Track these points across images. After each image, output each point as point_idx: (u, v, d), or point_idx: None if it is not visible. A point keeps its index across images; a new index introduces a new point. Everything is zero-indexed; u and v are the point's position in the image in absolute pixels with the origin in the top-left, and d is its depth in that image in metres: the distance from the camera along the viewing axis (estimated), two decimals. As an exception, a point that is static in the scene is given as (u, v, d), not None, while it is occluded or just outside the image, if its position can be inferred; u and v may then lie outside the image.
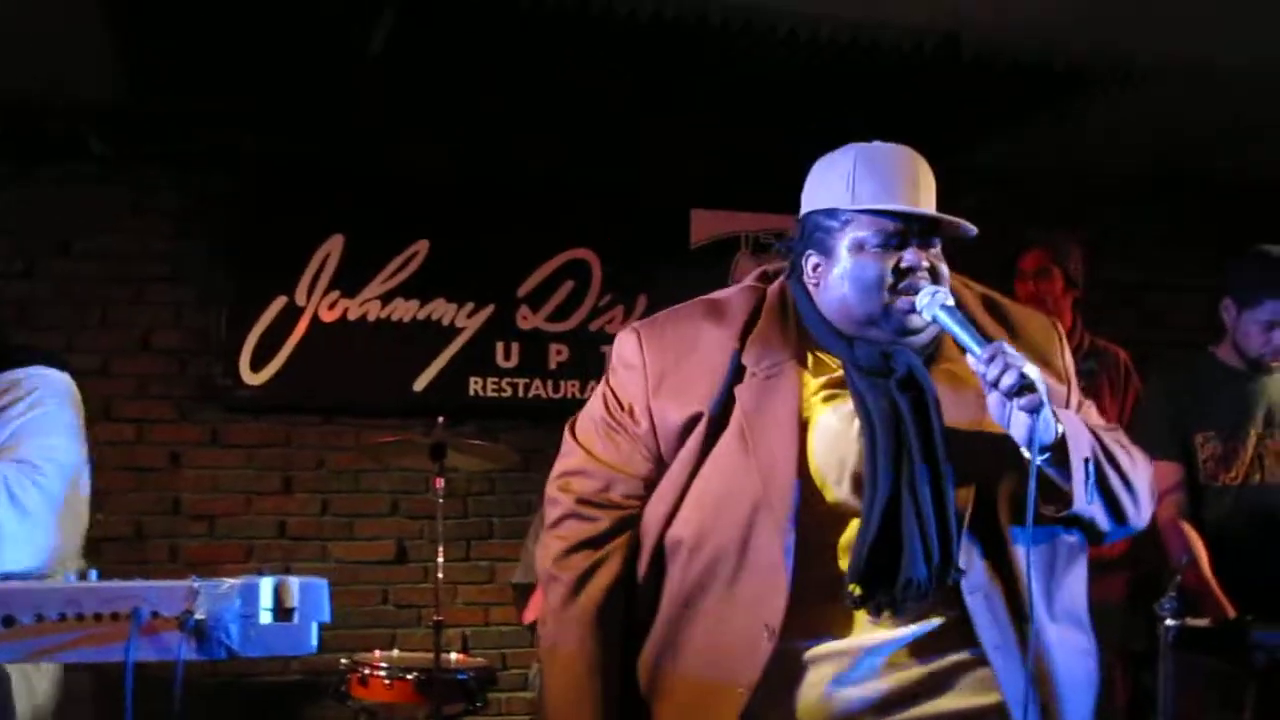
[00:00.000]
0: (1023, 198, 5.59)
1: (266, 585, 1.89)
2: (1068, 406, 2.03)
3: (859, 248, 1.95)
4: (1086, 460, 1.86)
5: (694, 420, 1.98)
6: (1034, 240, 4.52)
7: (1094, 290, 4.58)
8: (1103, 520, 1.95)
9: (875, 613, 1.88)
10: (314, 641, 1.89)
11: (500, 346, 5.19)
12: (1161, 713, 3.07)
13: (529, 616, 4.03)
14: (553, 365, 5.21)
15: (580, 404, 2.24)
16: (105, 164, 4.86)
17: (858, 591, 1.86)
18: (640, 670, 2.01)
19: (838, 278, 1.97)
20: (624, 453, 2.04)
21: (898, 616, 1.89)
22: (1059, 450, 1.84)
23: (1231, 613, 3.41)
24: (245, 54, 4.30)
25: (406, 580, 5.12)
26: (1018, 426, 1.81)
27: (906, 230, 1.94)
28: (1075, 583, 2.02)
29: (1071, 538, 2.00)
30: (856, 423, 1.91)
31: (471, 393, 5.16)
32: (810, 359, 2.01)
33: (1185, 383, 3.75)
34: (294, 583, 1.90)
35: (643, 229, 5.25)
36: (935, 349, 2.00)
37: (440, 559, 4.13)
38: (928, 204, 1.98)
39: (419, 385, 5.10)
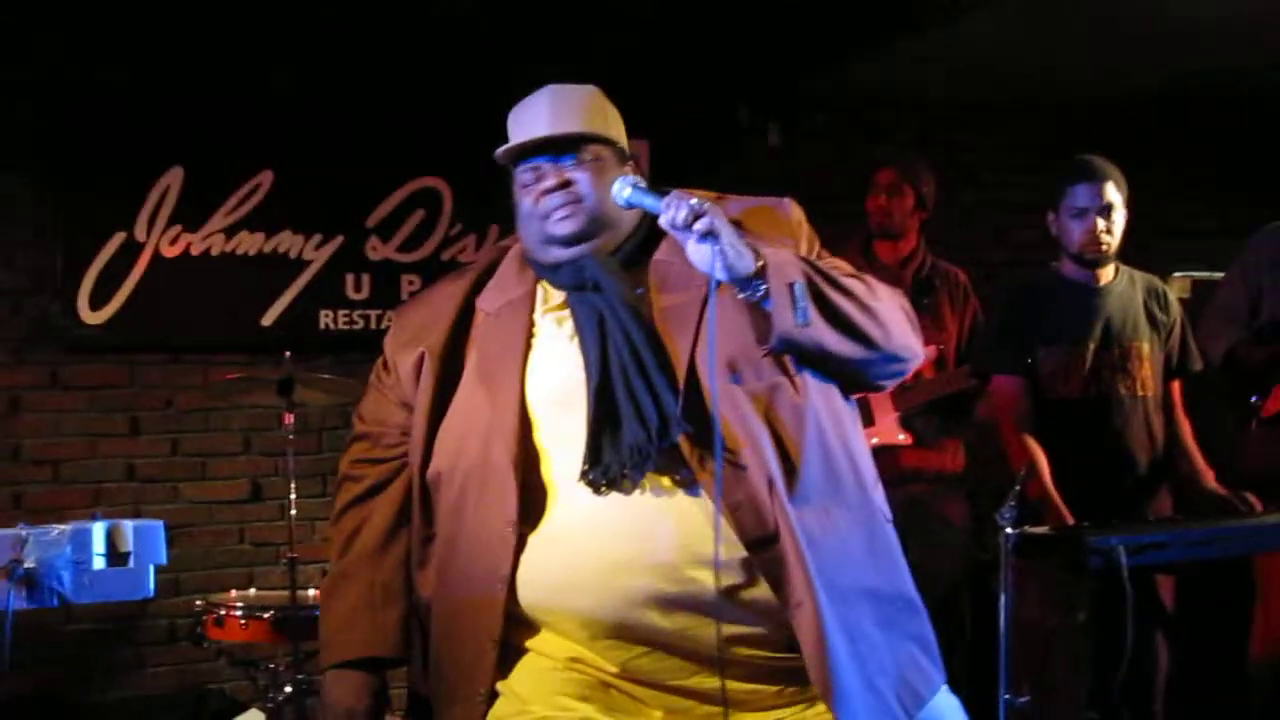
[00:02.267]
0: (868, 121, 5.66)
1: (99, 530, 1.85)
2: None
3: (521, 187, 2.14)
4: (792, 284, 1.95)
5: (420, 360, 2.15)
6: (888, 158, 4.61)
7: (940, 209, 4.68)
8: (841, 345, 2.00)
9: (611, 485, 1.99)
10: (151, 585, 1.86)
11: (350, 278, 5.10)
12: (1003, 617, 3.19)
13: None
14: (405, 296, 5.11)
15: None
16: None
17: (590, 471, 1.99)
18: (428, 594, 2.15)
19: (519, 220, 2.16)
20: (384, 408, 2.24)
21: (634, 488, 1.99)
22: (767, 283, 1.96)
23: (1070, 521, 3.55)
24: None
25: (262, 518, 5.04)
26: (711, 263, 1.93)
27: (541, 161, 2.11)
28: (831, 439, 2.05)
29: (807, 389, 2.03)
30: (575, 335, 2.08)
31: (323, 326, 5.07)
32: (541, 292, 2.17)
33: (1026, 298, 3.87)
34: (128, 526, 1.87)
35: (492, 156, 5.16)
36: (637, 249, 2.13)
37: (293, 495, 4.07)
38: (562, 127, 2.11)
39: (267, 320, 5.00)
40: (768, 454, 1.97)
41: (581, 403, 2.01)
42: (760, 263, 1.95)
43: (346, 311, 5.10)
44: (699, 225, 1.92)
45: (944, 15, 4.59)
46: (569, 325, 2.09)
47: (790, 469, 1.99)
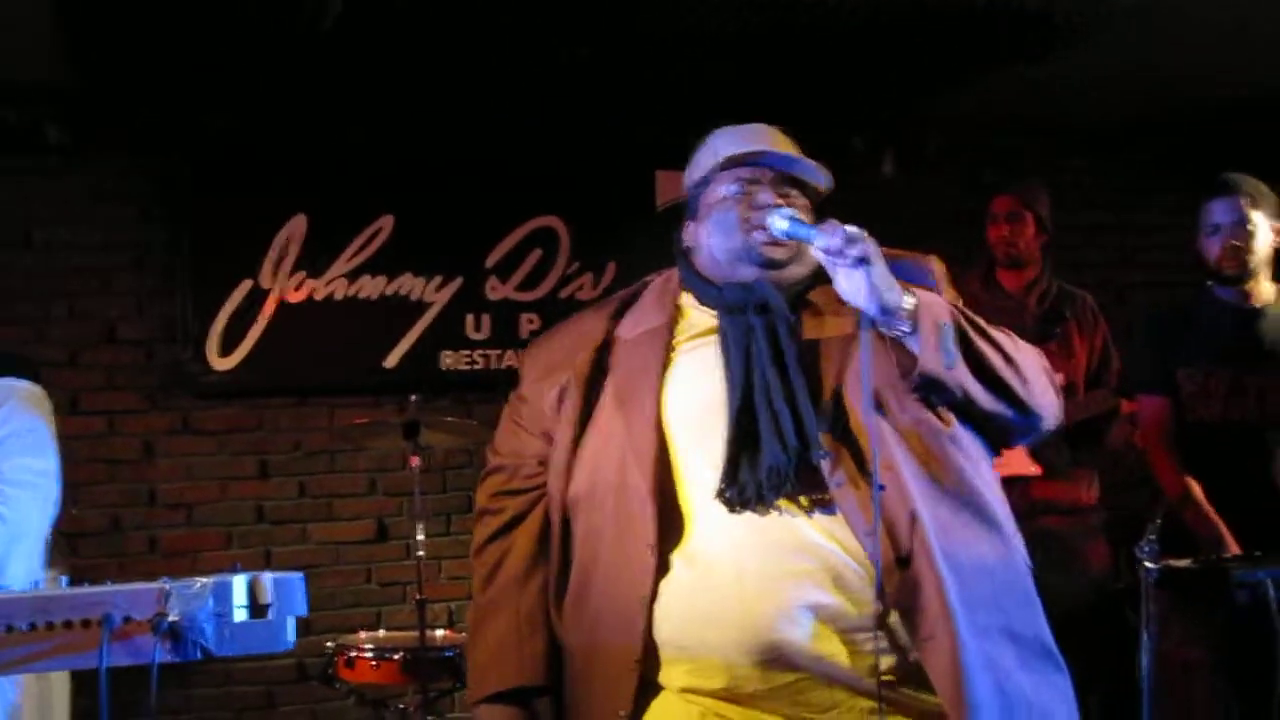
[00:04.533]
0: (987, 144, 5.57)
1: (240, 583, 1.87)
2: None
3: (720, 200, 2.14)
4: (942, 324, 1.96)
5: (563, 389, 2.16)
6: (1005, 185, 4.53)
7: (1064, 233, 4.58)
8: (984, 396, 2.02)
9: (746, 505, 1.98)
10: (290, 637, 1.88)
11: (470, 318, 5.15)
12: (1145, 656, 3.09)
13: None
14: (524, 334, 5.16)
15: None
16: (63, 153, 4.74)
17: (726, 490, 1.98)
18: (565, 619, 2.15)
19: (706, 231, 2.15)
20: (520, 439, 2.25)
21: (770, 509, 1.98)
22: (916, 321, 1.95)
23: (1235, 548, 3.42)
24: (197, 32, 4.20)
25: (389, 558, 5.10)
26: (862, 293, 1.91)
27: (759, 178, 2.11)
28: (975, 478, 2.04)
29: (953, 428, 2.03)
30: (717, 359, 2.07)
31: (444, 366, 5.12)
32: (683, 318, 2.18)
33: (1173, 318, 3.79)
34: (268, 578, 1.88)
35: (608, 193, 5.20)
36: (809, 286, 2.13)
37: (420, 536, 4.10)
38: (796, 157, 2.14)
39: (390, 362, 5.06)
40: (909, 483, 1.96)
41: (721, 425, 2.01)
42: (911, 299, 1.95)
43: (467, 352, 5.15)
44: (853, 250, 1.91)
45: (1062, 39, 4.50)
46: (711, 351, 2.08)
47: (934, 501, 1.98)
